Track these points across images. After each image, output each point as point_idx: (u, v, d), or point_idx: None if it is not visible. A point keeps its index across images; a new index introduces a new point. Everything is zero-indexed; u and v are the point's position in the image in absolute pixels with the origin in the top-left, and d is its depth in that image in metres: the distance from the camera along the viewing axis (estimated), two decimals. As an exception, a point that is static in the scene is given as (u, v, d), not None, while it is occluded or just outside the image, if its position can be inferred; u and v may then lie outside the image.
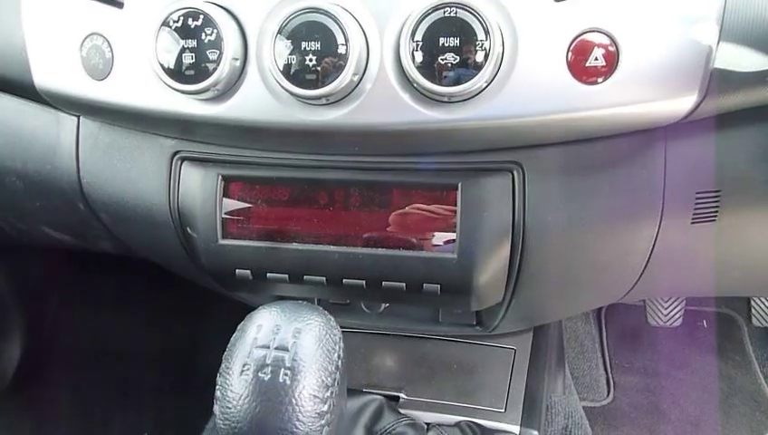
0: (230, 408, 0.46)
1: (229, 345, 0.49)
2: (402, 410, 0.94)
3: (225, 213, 0.77)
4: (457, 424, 0.92)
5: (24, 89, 0.80)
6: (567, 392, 1.28)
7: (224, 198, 0.77)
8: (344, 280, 0.76)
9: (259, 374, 0.45)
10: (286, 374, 0.45)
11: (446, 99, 0.62)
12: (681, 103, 0.64)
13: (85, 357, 1.91)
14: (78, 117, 0.83)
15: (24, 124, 0.87)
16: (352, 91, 0.64)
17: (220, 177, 0.76)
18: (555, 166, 0.71)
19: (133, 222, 0.84)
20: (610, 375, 1.70)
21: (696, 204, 0.72)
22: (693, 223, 0.73)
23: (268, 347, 0.47)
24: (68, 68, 0.73)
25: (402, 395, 0.97)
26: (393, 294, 0.77)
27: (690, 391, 1.67)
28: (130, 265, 1.96)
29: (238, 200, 0.77)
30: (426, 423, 0.93)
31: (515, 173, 0.71)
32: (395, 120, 0.65)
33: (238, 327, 0.50)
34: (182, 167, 0.78)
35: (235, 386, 0.46)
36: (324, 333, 0.49)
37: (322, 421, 0.46)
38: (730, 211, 0.73)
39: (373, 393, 0.94)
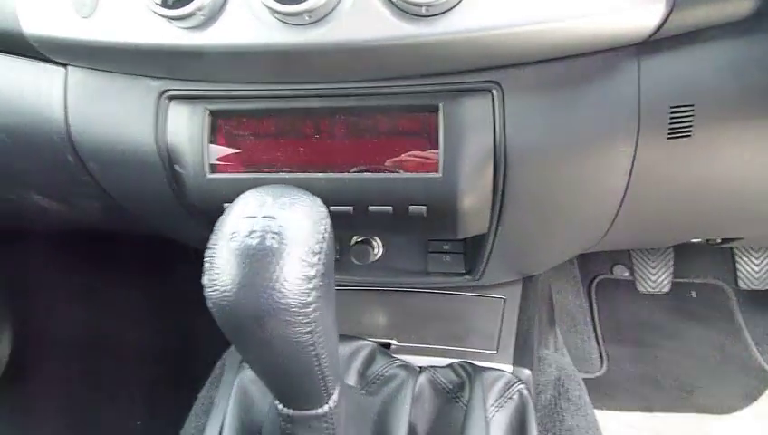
0: (219, 273, 0.46)
1: (217, 222, 0.50)
2: (395, 356, 0.95)
3: (213, 148, 0.78)
4: (450, 365, 0.93)
5: (12, 40, 0.81)
6: (559, 353, 1.28)
7: (211, 133, 0.78)
8: (331, 207, 0.77)
9: (247, 240, 0.46)
10: (273, 238, 0.46)
11: (423, 10, 0.64)
12: (650, 14, 0.67)
13: (76, 351, 1.89)
14: (66, 66, 0.85)
15: (13, 79, 0.88)
16: (334, 8, 0.66)
17: (207, 111, 0.78)
18: (533, 84, 0.73)
19: (121, 166, 0.85)
20: (603, 348, 1.70)
21: (671, 119, 0.74)
22: (669, 138, 0.75)
23: (255, 217, 0.48)
24: (55, 7, 0.75)
25: (394, 342, 0.98)
26: (381, 220, 0.78)
27: (682, 360, 1.67)
28: (122, 258, 1.96)
29: (225, 135, 0.79)
30: (419, 367, 0.93)
31: (495, 92, 0.73)
32: (376, 36, 0.66)
33: (226, 209, 0.51)
34: (170, 105, 0.80)
35: (223, 252, 0.46)
36: (310, 208, 0.50)
37: (310, 285, 0.47)
38: (704, 126, 0.75)
39: (365, 340, 0.95)
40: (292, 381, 0.56)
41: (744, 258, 1.64)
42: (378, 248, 1.02)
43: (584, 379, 1.64)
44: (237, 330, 0.49)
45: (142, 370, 1.83)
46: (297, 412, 0.59)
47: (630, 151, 0.76)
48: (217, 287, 0.46)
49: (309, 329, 0.49)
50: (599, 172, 0.79)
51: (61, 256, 1.94)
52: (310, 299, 0.47)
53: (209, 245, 0.48)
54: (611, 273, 1.82)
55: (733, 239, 1.08)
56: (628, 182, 0.80)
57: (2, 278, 1.79)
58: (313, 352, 0.51)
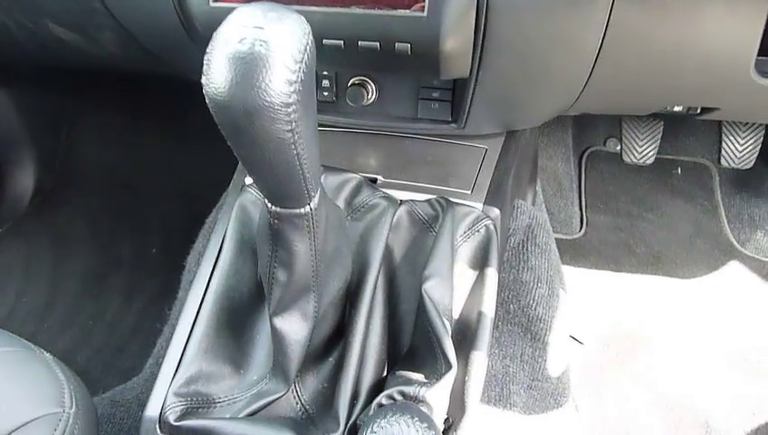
0: (214, 73, 0.55)
1: (215, 31, 0.57)
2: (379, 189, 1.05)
3: (217, -24, 0.84)
4: (427, 200, 1.03)
5: None
6: (536, 207, 1.39)
7: None
8: (324, 40, 0.84)
9: (238, 45, 0.54)
10: (261, 45, 0.54)
11: None
12: None
13: (96, 186, 2.04)
14: None
15: None
16: None
17: (213, -60, 0.82)
18: None
19: None
20: (584, 213, 1.82)
21: (650, -25, 0.78)
22: (645, -6, 0.80)
23: (246, 26, 0.55)
24: None
25: (380, 177, 1.08)
26: (369, 56, 0.85)
27: (657, 231, 1.79)
28: (149, 103, 2.03)
29: (229, -36, 0.84)
30: (399, 200, 1.04)
31: None
32: None
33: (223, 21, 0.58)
34: None
35: (218, 55, 0.55)
36: (295, 22, 0.57)
37: (291, 88, 0.55)
38: None
39: (354, 173, 1.05)
40: (279, 180, 0.66)
41: (731, 137, 1.70)
42: (372, 93, 1.09)
43: (562, 239, 1.77)
44: (231, 126, 0.58)
45: (158, 205, 1.98)
46: (283, 210, 0.70)
47: (607, 6, 0.81)
48: (213, 85, 0.55)
49: (290, 128, 0.58)
50: (575, 25, 0.84)
51: (87, 96, 2.02)
52: (290, 100, 0.56)
53: (207, 50, 0.56)
54: (604, 145, 1.89)
55: (711, 109, 1.13)
56: (603, 38, 0.85)
57: (23, 115, 1.89)
58: (294, 151, 0.61)
